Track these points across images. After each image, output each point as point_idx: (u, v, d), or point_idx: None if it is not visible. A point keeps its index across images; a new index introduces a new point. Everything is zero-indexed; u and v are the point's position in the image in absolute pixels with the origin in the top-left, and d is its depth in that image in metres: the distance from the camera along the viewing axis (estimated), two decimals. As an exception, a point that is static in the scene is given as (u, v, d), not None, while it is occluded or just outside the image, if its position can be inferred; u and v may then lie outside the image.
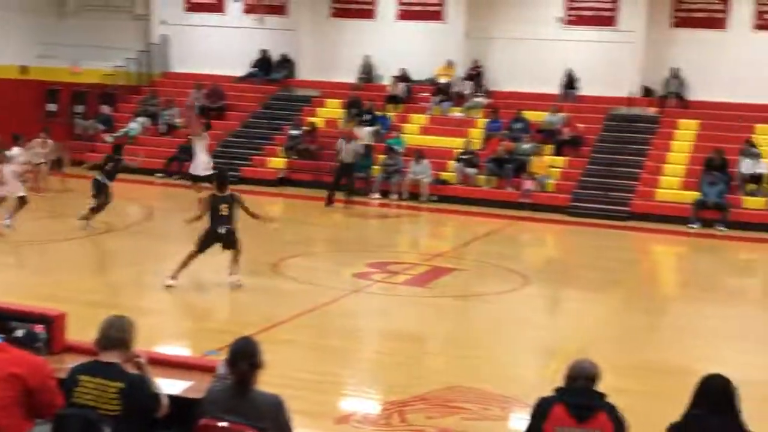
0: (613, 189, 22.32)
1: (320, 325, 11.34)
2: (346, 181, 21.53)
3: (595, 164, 23.08)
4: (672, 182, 22.33)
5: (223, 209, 12.00)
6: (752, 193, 21.63)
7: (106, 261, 14.77)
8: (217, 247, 12.21)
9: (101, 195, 16.09)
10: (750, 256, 19.44)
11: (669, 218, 21.15)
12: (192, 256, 12.03)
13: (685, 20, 24.94)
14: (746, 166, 21.82)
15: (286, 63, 28.05)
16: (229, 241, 12.17)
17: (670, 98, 24.65)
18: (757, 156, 21.87)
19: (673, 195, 21.90)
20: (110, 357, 4.88)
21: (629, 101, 24.33)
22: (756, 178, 21.72)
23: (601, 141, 23.86)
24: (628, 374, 9.46)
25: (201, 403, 4.85)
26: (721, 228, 20.68)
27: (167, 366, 5.79)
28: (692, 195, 21.40)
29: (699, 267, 17.87)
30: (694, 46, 24.67)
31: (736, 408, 4.80)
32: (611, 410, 4.91)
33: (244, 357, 4.72)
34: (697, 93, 24.65)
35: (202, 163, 19.71)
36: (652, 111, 24.68)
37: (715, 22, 24.67)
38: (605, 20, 25.41)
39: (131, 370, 4.96)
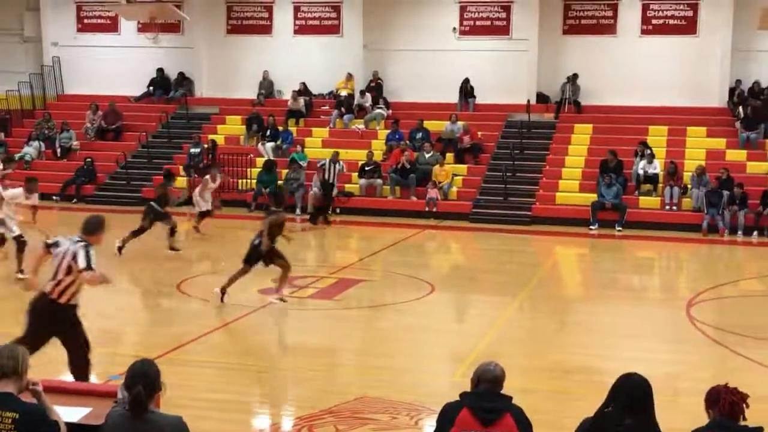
0: (514, 194, 22.71)
1: (228, 343, 11.22)
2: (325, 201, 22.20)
3: (495, 171, 23.45)
4: (570, 185, 22.84)
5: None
6: (647, 193, 22.28)
7: (3, 290, 14.31)
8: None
9: (149, 218, 16.53)
10: (647, 254, 19.98)
11: (569, 221, 21.64)
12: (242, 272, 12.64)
13: (576, 27, 25.60)
14: (641, 167, 22.48)
15: (184, 81, 27.74)
16: (262, 255, 12.61)
17: (566, 104, 25.23)
18: (650, 157, 22.53)
19: (572, 198, 22.42)
20: (3, 387, 4.72)
21: (526, 108, 24.81)
22: (650, 179, 22.37)
23: (501, 148, 24.27)
24: (535, 375, 9.63)
25: (100, 430, 4.73)
26: (619, 228, 21.25)
27: (66, 393, 5.63)
28: (590, 197, 21.93)
29: (600, 267, 18.30)
30: (586, 53, 25.37)
31: (652, 408, 4.84)
32: (517, 412, 4.92)
33: (141, 379, 4.63)
34: (590, 98, 25.33)
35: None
36: (548, 117, 25.23)
37: (604, 28, 25.38)
38: (499, 30, 25.90)
39: (28, 399, 4.81)
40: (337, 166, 22.69)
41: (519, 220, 21.76)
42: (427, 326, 12.21)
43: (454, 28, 26.05)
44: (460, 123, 24.43)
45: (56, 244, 7.84)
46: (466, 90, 25.73)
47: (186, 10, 25.53)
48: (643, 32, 25.22)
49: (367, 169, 23.31)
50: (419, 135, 24.43)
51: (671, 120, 24.30)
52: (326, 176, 22.44)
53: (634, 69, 24.91)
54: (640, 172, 22.43)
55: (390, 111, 25.83)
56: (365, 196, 23.14)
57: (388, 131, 24.92)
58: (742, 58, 24.64)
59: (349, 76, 26.35)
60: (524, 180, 23.22)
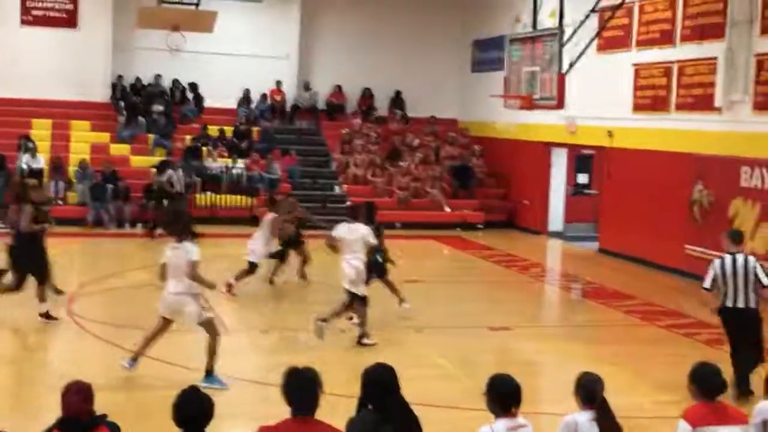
0: None
1: None
2: None
3: None
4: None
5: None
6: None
7: None
8: None
9: None
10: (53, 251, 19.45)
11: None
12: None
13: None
14: (24, 161, 21.93)
15: None
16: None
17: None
18: (33, 151, 22.09)
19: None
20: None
21: None
22: (35, 173, 21.89)
23: None
24: None
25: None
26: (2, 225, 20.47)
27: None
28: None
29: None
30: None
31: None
32: None
33: None
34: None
35: None
36: None
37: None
38: None
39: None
40: None
41: None
42: None
43: None
44: None
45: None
46: None
47: None
48: (24, 22, 24.57)
49: None
50: None
51: (55, 113, 24.10)
52: None
53: (15, 60, 24.15)
54: (24, 166, 21.86)
55: None
56: None
57: None
58: (124, 54, 25.32)
59: None
60: None
